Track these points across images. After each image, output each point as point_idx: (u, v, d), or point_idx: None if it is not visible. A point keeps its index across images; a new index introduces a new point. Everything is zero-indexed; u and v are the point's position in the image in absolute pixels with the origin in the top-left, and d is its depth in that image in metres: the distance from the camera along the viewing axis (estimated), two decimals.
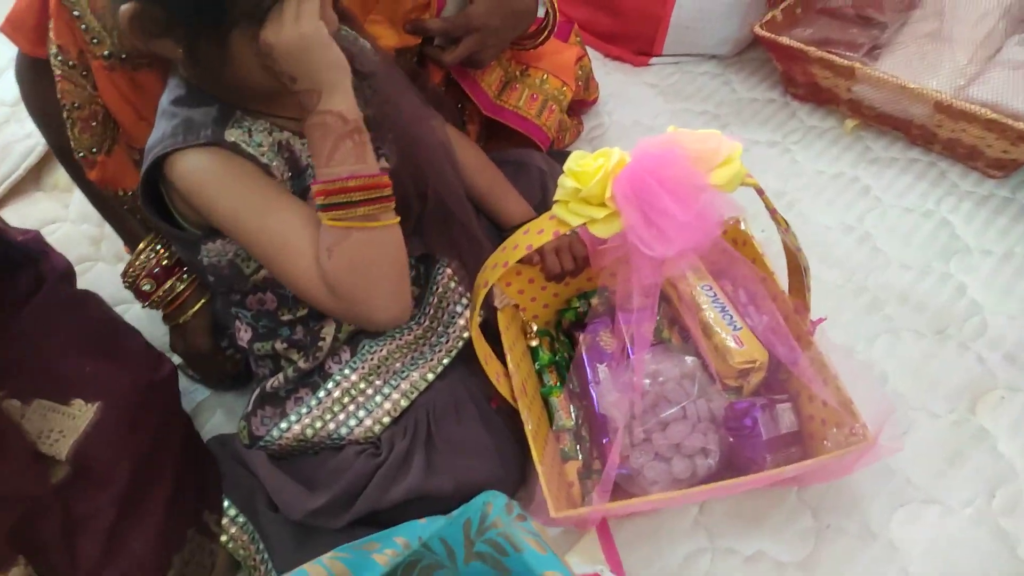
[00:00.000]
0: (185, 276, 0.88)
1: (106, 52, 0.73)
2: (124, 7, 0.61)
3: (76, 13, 0.71)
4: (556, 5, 1.01)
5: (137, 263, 0.87)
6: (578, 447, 0.85)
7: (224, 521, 0.79)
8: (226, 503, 0.81)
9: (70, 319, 0.75)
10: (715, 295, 0.89)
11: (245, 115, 0.70)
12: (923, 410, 0.90)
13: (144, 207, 0.73)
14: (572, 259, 0.92)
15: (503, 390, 0.81)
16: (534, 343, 0.92)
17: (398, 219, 0.69)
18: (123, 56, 0.74)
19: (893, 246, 1.07)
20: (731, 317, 0.87)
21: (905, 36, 1.21)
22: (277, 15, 0.61)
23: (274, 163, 0.70)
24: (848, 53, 1.18)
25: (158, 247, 0.87)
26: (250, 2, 0.60)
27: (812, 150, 1.22)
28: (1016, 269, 1.03)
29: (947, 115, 1.10)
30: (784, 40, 1.20)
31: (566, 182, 0.69)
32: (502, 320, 0.87)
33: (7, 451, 0.63)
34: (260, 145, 0.69)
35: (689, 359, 0.85)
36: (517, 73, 1.07)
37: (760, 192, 0.72)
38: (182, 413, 0.85)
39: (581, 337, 0.91)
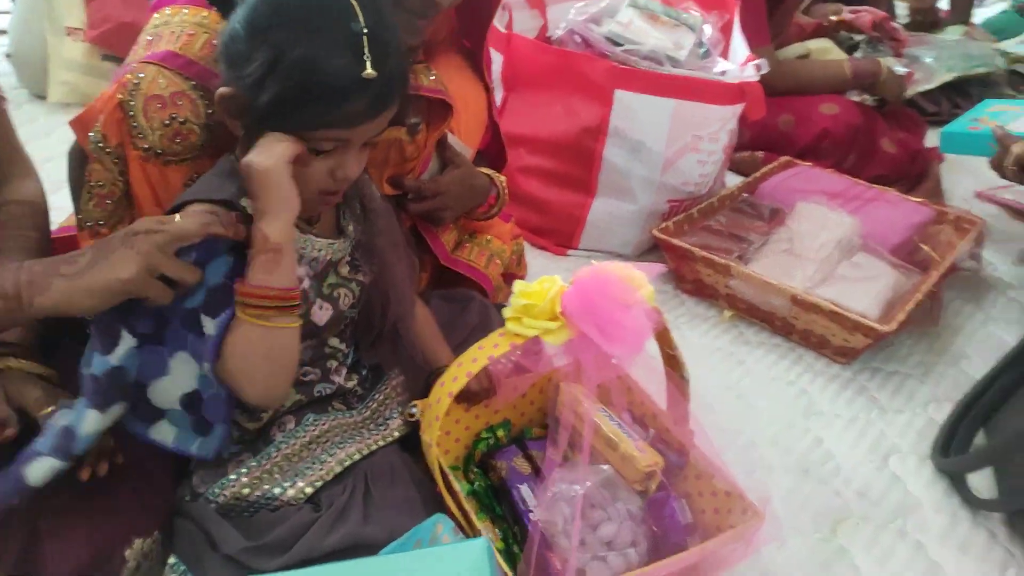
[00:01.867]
0: None
1: (145, 147, 0.89)
2: (223, 88, 0.79)
3: (131, 113, 0.88)
4: (507, 192, 1.27)
5: None
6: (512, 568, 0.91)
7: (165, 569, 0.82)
8: (172, 559, 0.83)
9: None
10: (611, 415, 1.03)
11: None
12: (794, 529, 1.06)
13: None
14: (488, 380, 1.05)
15: (452, 506, 0.89)
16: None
17: (294, 324, 0.80)
18: (159, 152, 0.89)
19: (764, 404, 1.29)
20: (628, 431, 1.02)
21: (766, 251, 1.54)
22: (260, 143, 0.79)
23: None
24: (724, 256, 1.48)
25: None
26: (291, 126, 0.78)
27: (698, 330, 1.48)
28: (859, 430, 1.26)
29: (801, 307, 1.39)
30: (676, 242, 1.50)
31: (517, 301, 0.87)
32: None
33: None
34: None
35: (605, 467, 0.99)
36: (467, 236, 1.30)
37: (659, 313, 0.92)
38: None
39: (499, 464, 1.04)
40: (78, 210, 0.94)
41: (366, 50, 0.75)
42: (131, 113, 0.87)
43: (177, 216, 0.74)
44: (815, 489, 1.13)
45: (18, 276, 0.70)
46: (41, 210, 0.98)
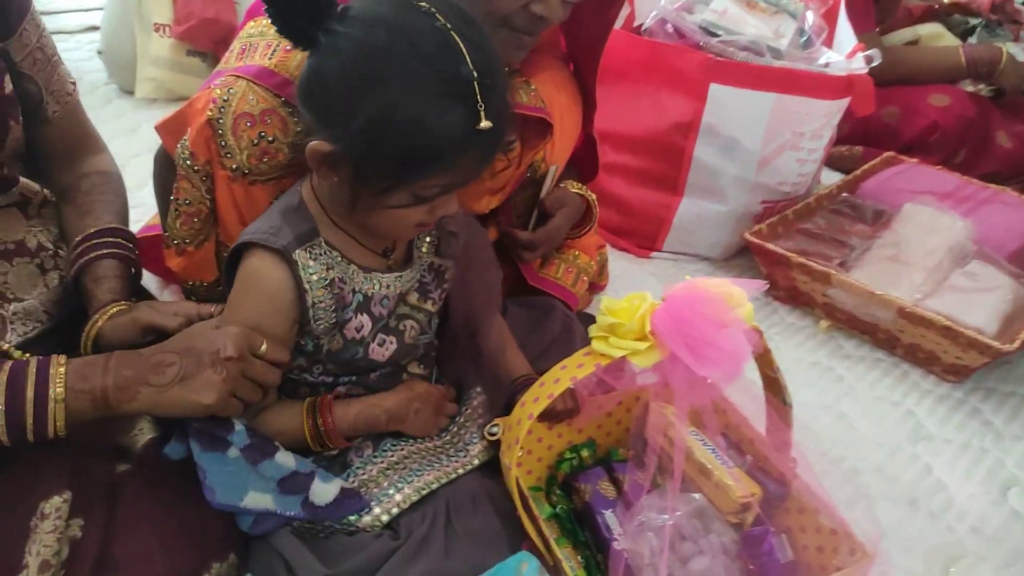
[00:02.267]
0: None
1: (234, 166, 0.87)
2: (317, 143, 0.73)
3: (220, 132, 0.86)
4: (598, 209, 1.21)
5: None
6: None
7: None
8: None
9: None
10: (703, 439, 0.97)
11: (324, 243, 0.82)
12: (902, 568, 0.98)
13: (224, 276, 0.85)
14: (572, 399, 0.99)
15: (533, 534, 0.86)
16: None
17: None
18: (246, 171, 0.88)
19: (866, 426, 1.20)
20: (723, 458, 0.95)
21: (870, 257, 1.43)
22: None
23: (313, 292, 0.81)
24: (823, 263, 1.39)
25: None
26: (398, 182, 0.74)
27: (792, 341, 1.39)
28: (973, 458, 1.16)
29: (909, 320, 1.28)
30: (770, 246, 1.41)
31: (604, 319, 0.81)
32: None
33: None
34: (312, 274, 0.81)
35: (697, 496, 0.93)
36: (554, 251, 1.24)
37: (760, 333, 0.85)
38: None
39: (583, 487, 0.98)
40: (164, 225, 0.94)
41: (479, 99, 0.69)
42: (220, 131, 0.86)
43: (264, 345, 0.78)
44: (925, 523, 1.04)
45: (106, 380, 0.73)
46: (117, 178, 1.01)
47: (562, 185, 1.18)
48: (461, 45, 0.69)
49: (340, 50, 0.70)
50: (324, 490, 0.83)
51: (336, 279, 0.83)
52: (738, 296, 0.80)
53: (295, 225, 0.81)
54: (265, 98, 0.85)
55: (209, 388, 0.74)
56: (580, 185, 1.19)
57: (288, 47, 0.86)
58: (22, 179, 0.87)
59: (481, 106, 0.69)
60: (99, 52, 2.11)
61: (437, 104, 0.69)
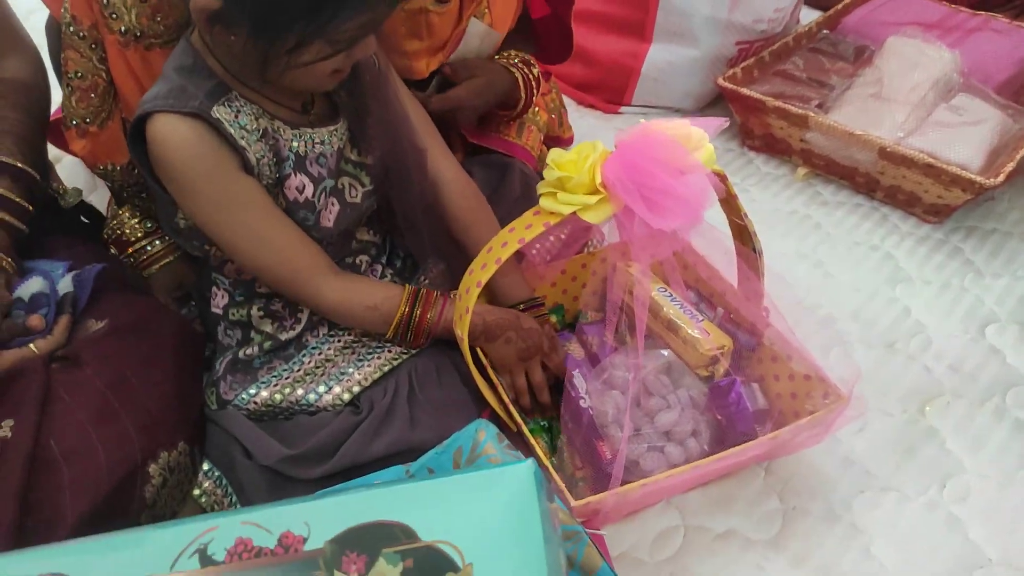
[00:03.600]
0: (157, 242, 0.91)
1: (123, 28, 0.76)
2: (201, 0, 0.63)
3: None
4: (531, 85, 1.05)
5: (112, 225, 0.92)
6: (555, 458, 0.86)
7: (199, 475, 0.78)
8: (206, 466, 0.79)
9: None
10: (671, 295, 0.92)
11: (239, 96, 0.72)
12: (878, 410, 0.96)
13: (135, 159, 0.75)
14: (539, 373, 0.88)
15: (493, 402, 0.83)
16: None
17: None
18: (138, 34, 0.77)
19: (844, 272, 1.16)
20: (691, 312, 0.91)
21: (850, 96, 1.34)
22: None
23: (252, 147, 0.72)
24: (801, 105, 1.30)
25: (127, 218, 0.91)
26: (331, 42, 0.65)
27: (768, 192, 1.32)
28: (953, 297, 1.12)
29: (890, 161, 1.22)
30: (744, 91, 1.32)
31: (551, 174, 0.74)
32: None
33: None
34: (243, 127, 0.71)
35: (664, 352, 0.89)
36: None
37: (724, 178, 0.78)
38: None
39: None
40: (63, 105, 0.84)
41: None
42: None
43: None
44: (902, 365, 1.02)
45: None
46: (27, 88, 0.88)
47: (497, 57, 1.07)
48: None
49: None
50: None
51: (267, 129, 0.74)
52: (697, 137, 0.72)
53: (199, 83, 0.71)
54: None
55: None
56: (519, 56, 1.05)
57: None
58: None
59: None
60: None
61: None
